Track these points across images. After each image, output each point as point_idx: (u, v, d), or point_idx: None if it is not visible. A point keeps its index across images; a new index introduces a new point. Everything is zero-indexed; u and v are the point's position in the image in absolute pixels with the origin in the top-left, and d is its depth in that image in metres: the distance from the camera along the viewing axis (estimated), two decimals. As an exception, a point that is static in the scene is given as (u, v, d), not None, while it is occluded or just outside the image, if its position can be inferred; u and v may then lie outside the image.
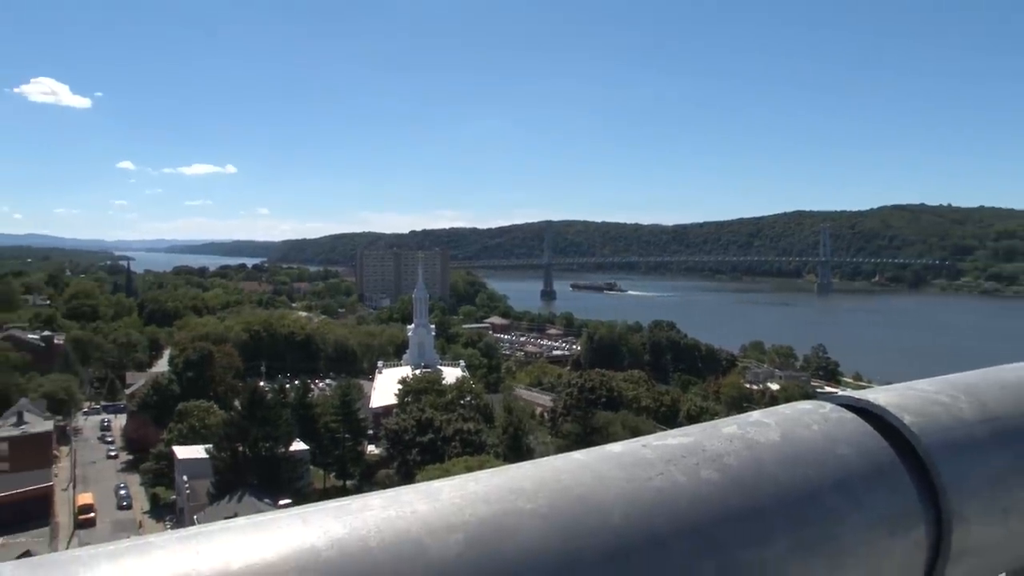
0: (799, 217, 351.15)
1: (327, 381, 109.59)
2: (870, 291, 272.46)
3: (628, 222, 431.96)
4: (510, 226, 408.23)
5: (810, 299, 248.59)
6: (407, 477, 67.64)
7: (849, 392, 0.79)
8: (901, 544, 0.71)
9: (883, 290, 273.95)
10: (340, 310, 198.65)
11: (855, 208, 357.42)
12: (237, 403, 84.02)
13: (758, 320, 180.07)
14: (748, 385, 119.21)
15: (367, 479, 79.93)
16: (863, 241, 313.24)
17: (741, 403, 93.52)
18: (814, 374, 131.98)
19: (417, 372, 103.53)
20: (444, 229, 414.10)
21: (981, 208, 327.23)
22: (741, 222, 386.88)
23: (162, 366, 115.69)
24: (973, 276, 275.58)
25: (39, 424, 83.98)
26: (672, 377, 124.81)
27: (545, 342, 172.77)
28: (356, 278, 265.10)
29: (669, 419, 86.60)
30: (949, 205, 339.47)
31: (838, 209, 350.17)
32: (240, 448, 75.49)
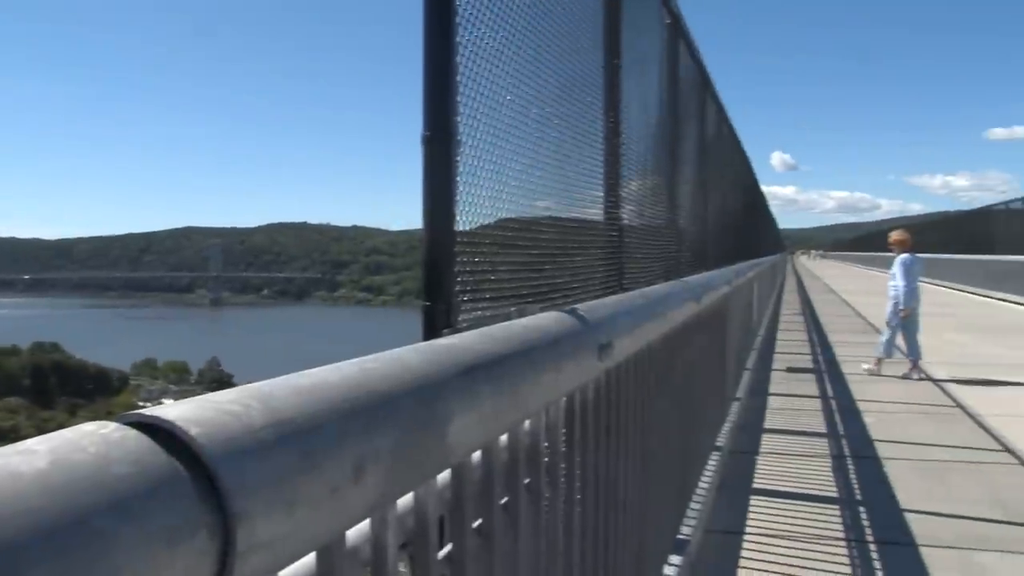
0: (189, 233, 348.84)
1: None
2: (260, 304, 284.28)
3: (4, 235, 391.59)
4: None
5: (202, 313, 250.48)
6: None
7: (140, 410, 0.76)
8: (184, 552, 0.68)
9: (272, 303, 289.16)
10: None
11: (244, 225, 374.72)
12: None
13: (151, 337, 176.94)
14: (142, 403, 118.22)
15: None
16: (252, 256, 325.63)
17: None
18: (208, 387, 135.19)
19: None
20: None
21: (355, 227, 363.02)
22: (131, 237, 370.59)
23: None
24: (349, 288, 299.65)
25: None
26: (59, 401, 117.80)
27: None
28: None
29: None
30: (329, 224, 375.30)
31: (228, 226, 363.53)
32: None
